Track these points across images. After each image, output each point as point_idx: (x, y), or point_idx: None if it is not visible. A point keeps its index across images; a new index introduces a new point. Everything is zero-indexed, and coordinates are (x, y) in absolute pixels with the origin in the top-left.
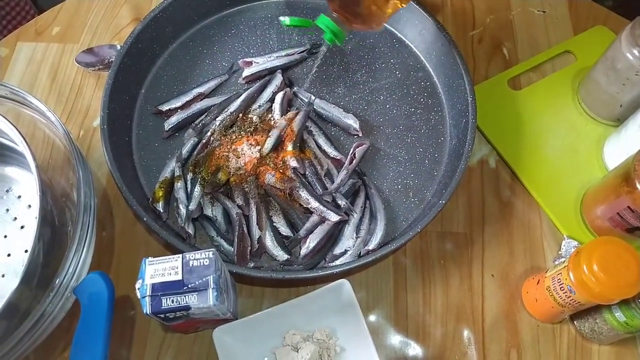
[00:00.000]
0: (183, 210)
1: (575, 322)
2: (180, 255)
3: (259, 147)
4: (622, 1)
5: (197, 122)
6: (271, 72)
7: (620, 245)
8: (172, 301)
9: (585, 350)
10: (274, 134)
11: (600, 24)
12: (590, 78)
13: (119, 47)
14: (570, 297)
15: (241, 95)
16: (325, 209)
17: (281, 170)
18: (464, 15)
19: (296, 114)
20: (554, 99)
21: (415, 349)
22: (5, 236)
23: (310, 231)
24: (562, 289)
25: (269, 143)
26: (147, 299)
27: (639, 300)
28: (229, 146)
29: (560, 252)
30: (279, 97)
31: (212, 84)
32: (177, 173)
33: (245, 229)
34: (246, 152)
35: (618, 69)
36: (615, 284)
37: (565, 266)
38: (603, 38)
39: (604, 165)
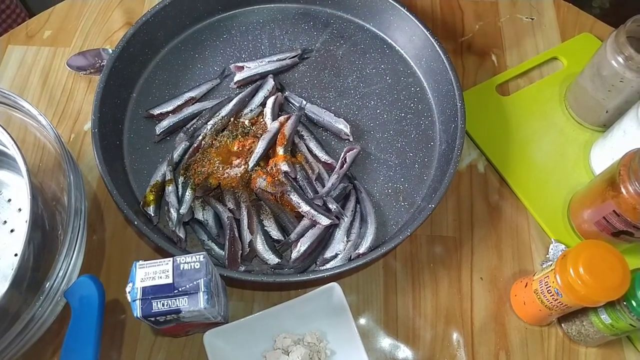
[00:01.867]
0: (174, 214)
1: (562, 325)
2: (171, 259)
3: (248, 150)
4: (608, 10)
5: (188, 126)
6: (263, 76)
7: (606, 249)
8: (163, 304)
9: (573, 352)
10: (259, 146)
11: (587, 31)
12: (577, 84)
13: (110, 51)
14: (557, 299)
15: (233, 99)
16: (316, 212)
17: (272, 174)
18: (454, 22)
19: (288, 119)
20: (541, 105)
21: (405, 352)
22: None
23: (301, 235)
24: (549, 291)
25: (254, 159)
26: (138, 303)
27: (624, 303)
28: (218, 157)
29: (548, 256)
30: (270, 102)
31: (203, 88)
32: (168, 177)
33: (236, 233)
34: (234, 167)
35: (604, 76)
36: (600, 287)
37: (552, 269)
38: (590, 45)
39: (590, 170)
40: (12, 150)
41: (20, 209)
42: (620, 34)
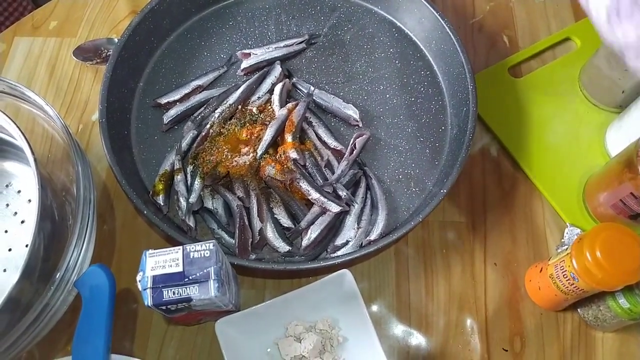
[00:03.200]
0: (183, 203)
1: (579, 310)
2: (181, 247)
3: (256, 137)
4: None
5: (196, 114)
6: (270, 63)
7: (623, 232)
8: (174, 293)
9: (589, 337)
10: (267, 134)
11: None
12: (591, 64)
13: (116, 40)
14: (573, 284)
15: (240, 87)
16: (326, 199)
17: (281, 162)
18: (464, 3)
19: (296, 105)
20: (555, 87)
21: (418, 339)
22: (6, 231)
23: (312, 222)
24: (565, 276)
25: (262, 146)
26: (149, 291)
27: None
28: (226, 145)
29: (563, 240)
30: (278, 89)
31: (210, 76)
32: (177, 166)
33: (246, 221)
34: (242, 155)
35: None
36: (618, 271)
37: (568, 253)
38: None
39: (606, 152)
40: (20, 141)
41: (30, 200)
42: None
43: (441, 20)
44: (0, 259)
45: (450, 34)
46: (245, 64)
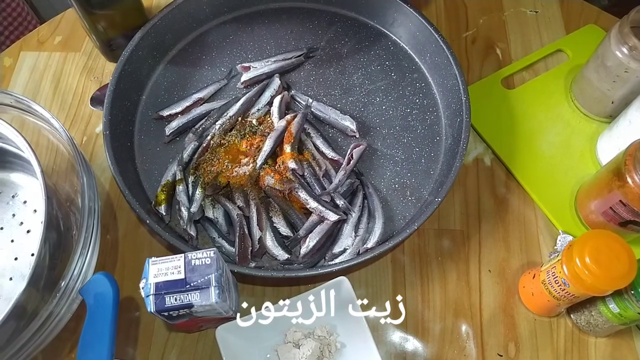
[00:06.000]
0: (185, 213)
1: (571, 315)
2: (183, 255)
3: (256, 148)
4: (617, 0)
5: (197, 126)
6: (269, 76)
7: (611, 238)
8: (176, 299)
9: (582, 342)
10: (267, 145)
11: (592, 23)
12: (582, 76)
13: None
14: (564, 290)
15: (240, 99)
16: (324, 208)
17: (280, 172)
18: (457, 17)
19: (294, 117)
20: (547, 97)
21: (414, 345)
22: (12, 240)
23: (310, 231)
24: (556, 282)
25: (262, 157)
26: (151, 298)
27: (632, 292)
28: (226, 156)
29: (555, 247)
30: (277, 101)
31: (211, 89)
32: (179, 176)
33: (246, 230)
34: (242, 165)
35: (608, 67)
36: (607, 276)
37: (559, 260)
38: (594, 36)
39: (597, 160)
40: (27, 153)
41: (35, 210)
42: (624, 24)
43: (435, 34)
44: (7, 268)
45: (444, 47)
46: (245, 77)
